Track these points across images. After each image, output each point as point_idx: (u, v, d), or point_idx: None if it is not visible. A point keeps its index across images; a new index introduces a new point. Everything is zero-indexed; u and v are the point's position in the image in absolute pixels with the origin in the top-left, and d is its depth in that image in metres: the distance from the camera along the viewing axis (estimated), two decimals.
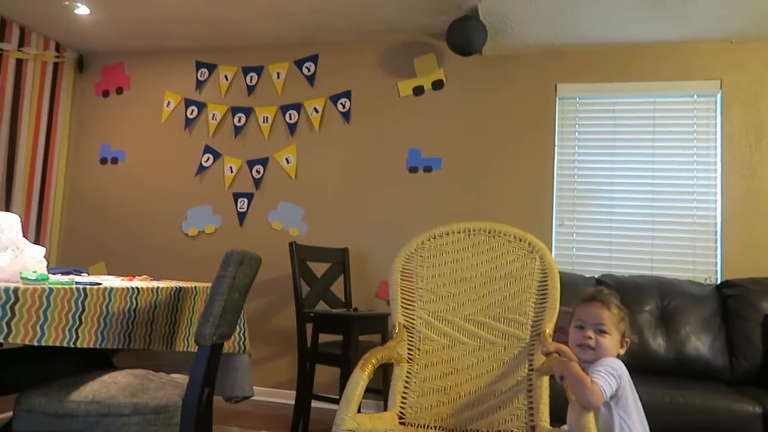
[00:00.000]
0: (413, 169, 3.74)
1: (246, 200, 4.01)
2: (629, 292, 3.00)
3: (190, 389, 1.68)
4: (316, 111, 3.93)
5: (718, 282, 3.18)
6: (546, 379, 1.80)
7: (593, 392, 1.48)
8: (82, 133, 4.42)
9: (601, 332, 1.64)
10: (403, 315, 2.01)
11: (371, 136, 3.84)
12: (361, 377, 1.51)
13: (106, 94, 4.42)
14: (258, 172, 4.00)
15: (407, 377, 1.91)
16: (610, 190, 3.44)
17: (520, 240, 2.08)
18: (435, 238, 2.14)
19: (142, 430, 1.59)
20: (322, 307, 3.33)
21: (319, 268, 3.43)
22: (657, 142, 3.41)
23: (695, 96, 3.39)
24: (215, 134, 4.12)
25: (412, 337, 1.99)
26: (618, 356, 1.65)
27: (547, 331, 1.90)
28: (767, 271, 3.00)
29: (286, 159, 3.97)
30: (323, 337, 2.84)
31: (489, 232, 2.11)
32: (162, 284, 2.21)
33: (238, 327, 2.68)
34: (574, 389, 1.49)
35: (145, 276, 2.59)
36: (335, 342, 2.98)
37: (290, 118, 3.98)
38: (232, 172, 4.05)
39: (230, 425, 3.14)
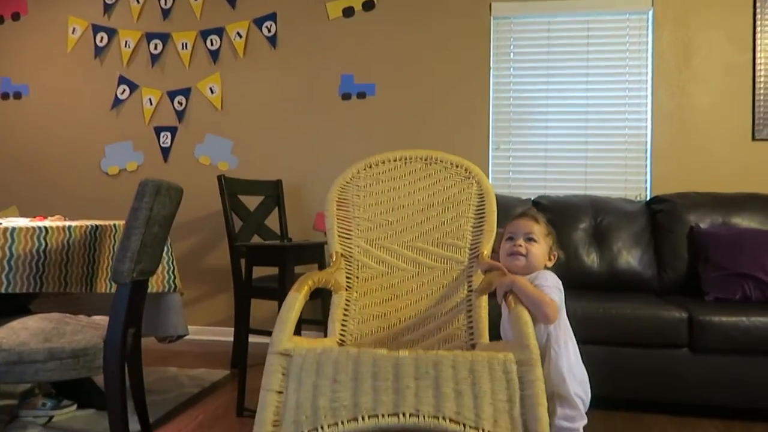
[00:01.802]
0: (346, 96, 3.59)
1: (169, 134, 3.76)
2: (564, 212, 3.04)
3: (111, 330, 1.56)
4: (240, 36, 3.67)
5: (648, 198, 3.26)
6: (485, 299, 1.79)
7: (553, 308, 1.52)
8: None
9: (531, 240, 1.70)
10: (340, 244, 1.94)
11: (300, 62, 3.64)
12: (296, 298, 1.43)
13: (0, 20, 3.96)
14: (180, 103, 3.74)
15: (346, 305, 1.86)
16: (544, 111, 3.42)
17: (457, 166, 2.05)
18: (371, 167, 2.07)
19: (60, 375, 1.46)
20: (257, 241, 3.22)
21: (252, 202, 3.29)
22: (590, 62, 3.39)
23: (627, 14, 3.36)
24: (130, 63, 3.80)
25: (350, 265, 1.92)
26: (546, 268, 1.71)
27: (485, 252, 1.88)
28: (695, 186, 3.09)
29: (210, 89, 3.72)
30: (259, 272, 2.74)
31: (425, 160, 2.07)
32: (75, 223, 2.03)
33: (166, 265, 2.55)
34: (531, 304, 1.48)
35: (58, 216, 2.39)
36: (271, 276, 2.89)
37: (212, 44, 3.71)
38: (151, 104, 3.77)
39: (168, 365, 3.04)
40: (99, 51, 3.83)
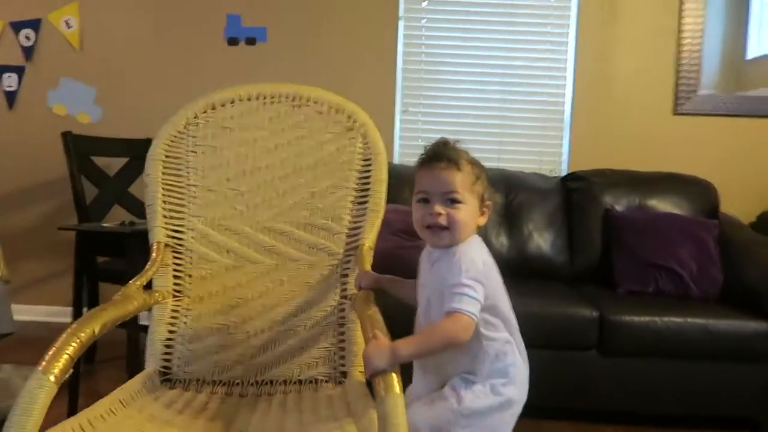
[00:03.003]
0: (233, 41, 3.05)
1: (15, 76, 3.10)
2: None
3: None
4: None
5: (564, 174, 2.98)
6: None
7: (459, 331, 1.08)
8: None
9: (454, 202, 1.15)
10: (165, 228, 1.42)
11: None
12: (40, 389, 0.88)
13: None
14: (28, 38, 3.08)
15: (173, 318, 1.39)
16: (459, 72, 3.04)
17: (337, 111, 1.54)
18: (214, 108, 1.51)
19: None
20: (119, 214, 2.68)
21: (114, 165, 2.74)
22: (513, 18, 3.01)
23: None
24: None
25: (179, 259, 1.43)
26: (478, 228, 1.22)
27: (367, 244, 1.46)
28: (613, 163, 2.82)
29: (66, 22, 3.07)
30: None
31: (293, 100, 1.54)
32: None
33: None
34: (435, 349, 1.11)
35: None
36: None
37: None
38: None
39: (3, 361, 2.50)
40: None
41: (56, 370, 0.92)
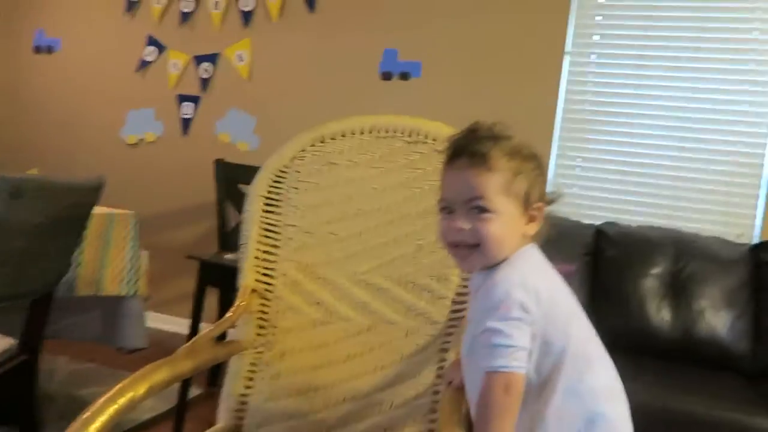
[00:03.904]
0: (386, 75, 3.01)
1: (192, 105, 3.37)
2: (634, 248, 2.33)
3: None
4: None
5: (755, 241, 2.44)
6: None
7: (500, 396, 0.82)
8: (14, 16, 3.77)
9: (482, 211, 0.87)
10: (256, 271, 1.31)
11: (340, 31, 3.10)
12: None
13: None
14: (206, 70, 3.33)
15: (251, 370, 1.29)
16: (630, 114, 2.66)
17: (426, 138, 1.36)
18: (323, 141, 1.39)
19: None
20: None
21: None
22: (701, 53, 2.57)
23: None
24: (160, 21, 3.43)
25: (266, 306, 1.31)
26: (526, 237, 0.92)
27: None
28: None
29: (239, 56, 3.27)
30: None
31: (409, 135, 1.37)
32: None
33: (127, 264, 2.15)
34: (502, 427, 0.83)
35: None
36: None
37: (245, 4, 3.25)
38: (177, 69, 3.39)
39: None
40: (131, 5, 3.49)
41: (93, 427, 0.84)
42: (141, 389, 0.94)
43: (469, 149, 0.89)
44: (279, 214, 1.36)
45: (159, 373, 1.00)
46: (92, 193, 1.60)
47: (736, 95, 2.53)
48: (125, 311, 2.18)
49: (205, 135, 3.33)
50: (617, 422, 0.90)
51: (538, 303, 0.85)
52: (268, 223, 1.36)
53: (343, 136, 1.40)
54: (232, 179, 2.68)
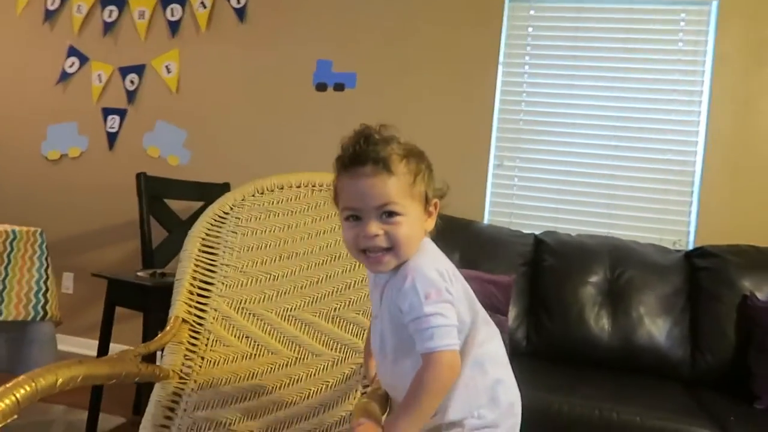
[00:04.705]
0: (321, 87, 2.93)
1: (118, 118, 3.20)
2: (572, 257, 2.33)
3: None
4: (204, 6, 3.06)
5: (690, 248, 2.48)
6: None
7: (446, 372, 0.85)
8: None
9: (392, 215, 0.89)
10: (187, 303, 1.31)
11: (271, 42, 3.00)
12: None
13: None
14: (132, 82, 3.17)
15: (173, 402, 1.22)
16: (564, 123, 2.67)
17: None
18: (262, 193, 1.46)
19: None
20: None
21: (187, 210, 2.68)
22: (629, 63, 2.61)
23: (684, 4, 2.57)
24: (81, 32, 3.25)
25: (195, 339, 1.29)
26: (426, 233, 0.95)
27: None
28: (755, 239, 2.30)
29: (167, 67, 3.13)
30: None
31: None
32: None
33: (34, 286, 2.00)
34: (432, 406, 0.86)
35: None
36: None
37: (172, 14, 3.11)
38: (101, 81, 3.22)
39: (56, 401, 2.47)
40: (49, 15, 3.29)
41: None
42: (62, 376, 0.89)
43: (370, 157, 0.88)
44: (215, 254, 1.39)
45: (80, 368, 0.93)
46: None
47: (666, 104, 2.57)
48: (33, 336, 2.02)
49: (133, 149, 3.16)
50: (511, 386, 0.96)
51: (452, 284, 0.90)
52: (204, 262, 1.38)
53: (281, 188, 1.46)
54: (157, 194, 2.54)
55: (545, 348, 2.23)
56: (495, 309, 2.12)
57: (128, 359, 1.12)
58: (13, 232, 1.93)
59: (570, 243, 2.39)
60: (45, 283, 2.02)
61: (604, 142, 2.62)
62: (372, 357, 1.05)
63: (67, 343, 3.00)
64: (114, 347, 2.94)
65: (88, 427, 2.03)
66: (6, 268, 1.90)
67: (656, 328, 2.17)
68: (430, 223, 0.95)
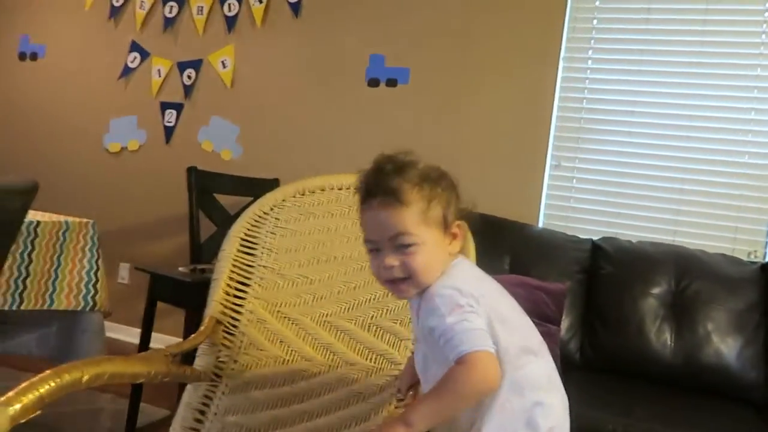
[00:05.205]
0: (374, 82, 2.87)
1: (174, 112, 3.25)
2: (633, 266, 2.18)
3: None
4: (260, 1, 3.06)
5: (766, 260, 2.28)
6: None
7: (480, 372, 0.83)
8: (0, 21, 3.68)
9: (406, 247, 0.90)
10: (223, 304, 1.29)
11: (325, 36, 2.97)
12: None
13: None
14: (189, 77, 3.22)
15: (203, 404, 1.20)
16: (629, 122, 2.50)
17: None
18: (303, 194, 1.43)
19: None
20: None
21: (237, 205, 2.69)
22: (703, 59, 2.42)
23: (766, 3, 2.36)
24: (143, 28, 3.32)
25: (229, 341, 1.26)
26: (452, 255, 0.95)
27: None
28: None
29: (222, 62, 3.15)
30: None
31: None
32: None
33: (84, 276, 2.03)
34: (456, 403, 0.85)
35: None
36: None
37: (229, 10, 3.13)
38: (160, 76, 3.28)
39: (104, 390, 2.51)
40: (115, 11, 3.38)
41: (18, 405, 0.77)
42: (88, 374, 0.89)
43: (380, 188, 0.90)
44: (253, 255, 1.36)
45: (107, 365, 0.93)
46: (18, 197, 1.46)
47: (743, 102, 2.37)
48: (84, 326, 2.05)
49: (188, 143, 3.20)
50: (555, 410, 0.91)
51: (477, 301, 0.88)
52: (242, 263, 1.35)
53: (323, 190, 1.43)
54: (207, 188, 2.55)
55: (600, 362, 2.10)
56: (545, 318, 2.00)
57: (158, 358, 1.11)
58: (66, 223, 1.96)
59: (631, 250, 2.24)
60: (95, 274, 2.04)
61: (671, 143, 2.44)
62: (410, 368, 1.04)
63: (119, 332, 3.08)
64: (163, 340, 3.00)
65: (129, 418, 2.05)
66: (58, 258, 1.94)
67: (726, 346, 1.99)
68: (456, 246, 0.95)
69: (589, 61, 2.57)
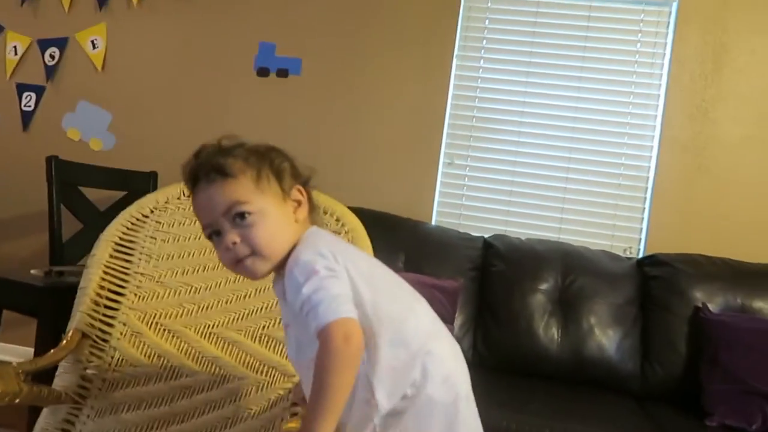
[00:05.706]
0: (263, 72, 2.72)
1: (34, 95, 2.88)
2: (521, 263, 2.22)
3: None
4: None
5: (641, 255, 2.42)
6: None
7: (341, 344, 0.76)
8: None
9: (243, 218, 0.85)
10: (91, 316, 1.11)
11: (211, 19, 2.77)
12: None
13: None
14: (52, 57, 2.86)
15: (64, 428, 1.03)
16: (519, 123, 2.56)
17: (324, 213, 1.26)
18: (189, 196, 1.27)
19: None
20: None
21: (107, 200, 2.43)
22: (587, 63, 2.52)
23: (643, 5, 2.50)
24: None
25: (99, 357, 1.09)
26: (301, 223, 0.91)
27: None
28: (707, 248, 2.25)
29: (92, 42, 2.84)
30: None
31: None
32: None
33: None
34: (341, 389, 0.77)
35: None
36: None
37: None
38: (16, 54, 2.89)
39: None
40: None
41: None
42: None
43: (205, 168, 0.87)
44: (129, 261, 1.21)
45: None
46: None
47: (622, 107, 2.50)
48: None
49: (51, 130, 2.86)
50: (446, 358, 0.89)
51: (336, 261, 0.84)
52: (116, 269, 1.19)
53: None
54: (71, 181, 2.27)
55: (492, 358, 2.12)
56: (440, 316, 1.97)
57: (7, 375, 0.92)
58: None
59: (520, 248, 2.28)
60: None
61: (557, 143, 2.53)
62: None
63: None
64: (16, 351, 2.66)
65: None
66: None
67: (607, 339, 2.08)
68: (302, 212, 0.90)
69: (482, 61, 2.59)
